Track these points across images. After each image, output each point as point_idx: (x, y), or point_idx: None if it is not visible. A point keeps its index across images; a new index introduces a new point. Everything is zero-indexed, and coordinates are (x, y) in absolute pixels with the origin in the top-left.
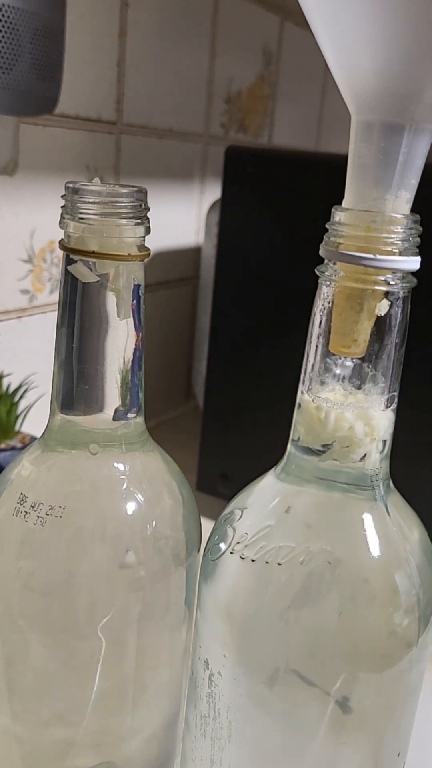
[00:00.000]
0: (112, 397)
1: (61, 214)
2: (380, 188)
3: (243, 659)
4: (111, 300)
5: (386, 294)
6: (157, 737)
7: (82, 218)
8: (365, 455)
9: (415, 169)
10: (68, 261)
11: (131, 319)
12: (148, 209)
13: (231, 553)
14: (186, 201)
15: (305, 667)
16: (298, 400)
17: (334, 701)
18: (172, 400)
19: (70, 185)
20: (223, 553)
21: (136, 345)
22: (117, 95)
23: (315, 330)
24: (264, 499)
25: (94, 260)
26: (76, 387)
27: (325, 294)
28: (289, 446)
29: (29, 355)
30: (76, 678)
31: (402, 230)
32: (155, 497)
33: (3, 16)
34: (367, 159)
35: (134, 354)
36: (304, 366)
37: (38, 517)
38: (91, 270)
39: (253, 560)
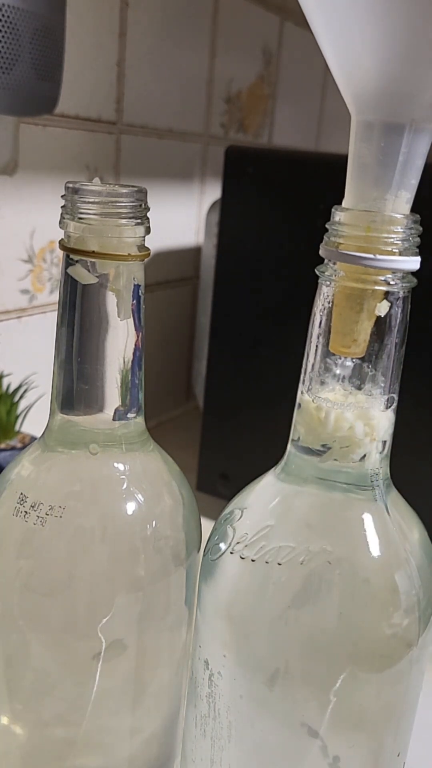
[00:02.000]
0: (112, 397)
1: (61, 214)
2: (380, 188)
3: (243, 659)
4: (111, 300)
5: (386, 294)
6: (157, 737)
7: (82, 218)
8: (365, 455)
9: (415, 169)
10: (68, 262)
11: (131, 319)
12: (148, 209)
13: (231, 553)
14: (186, 201)
15: (305, 667)
16: (298, 400)
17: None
18: (172, 400)
19: (70, 185)
20: (223, 553)
21: (136, 345)
22: (117, 95)
23: (315, 330)
24: (264, 499)
25: (93, 260)
26: (76, 387)
27: (325, 294)
28: (289, 446)
29: (29, 355)
30: (76, 678)
31: (402, 230)
32: (155, 497)
33: (3, 16)
34: (367, 159)
35: (134, 354)
36: (304, 366)
37: (38, 517)
38: (89, 271)
39: (253, 560)
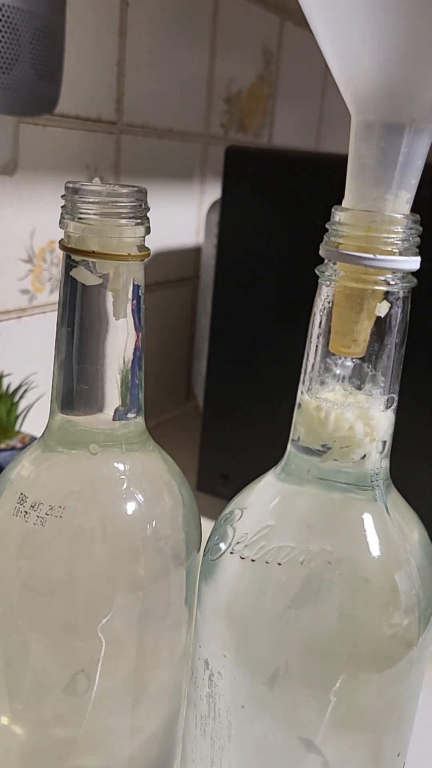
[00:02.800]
0: (112, 397)
1: (61, 214)
2: (380, 188)
3: (243, 659)
4: (111, 300)
5: (386, 294)
6: (157, 737)
7: (82, 218)
8: (365, 455)
9: (415, 169)
10: (70, 264)
11: (131, 319)
12: (148, 209)
13: (231, 553)
14: (186, 201)
15: (305, 667)
16: (298, 400)
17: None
18: (172, 400)
19: (70, 185)
20: (223, 553)
21: (136, 345)
22: (117, 95)
23: (315, 330)
24: (264, 499)
25: (94, 260)
26: (76, 387)
27: (325, 294)
28: (289, 446)
29: (29, 355)
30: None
31: (402, 230)
32: (155, 497)
33: (3, 16)
34: (367, 159)
35: (134, 354)
36: (304, 366)
37: (38, 517)
38: (92, 273)
39: (253, 560)
